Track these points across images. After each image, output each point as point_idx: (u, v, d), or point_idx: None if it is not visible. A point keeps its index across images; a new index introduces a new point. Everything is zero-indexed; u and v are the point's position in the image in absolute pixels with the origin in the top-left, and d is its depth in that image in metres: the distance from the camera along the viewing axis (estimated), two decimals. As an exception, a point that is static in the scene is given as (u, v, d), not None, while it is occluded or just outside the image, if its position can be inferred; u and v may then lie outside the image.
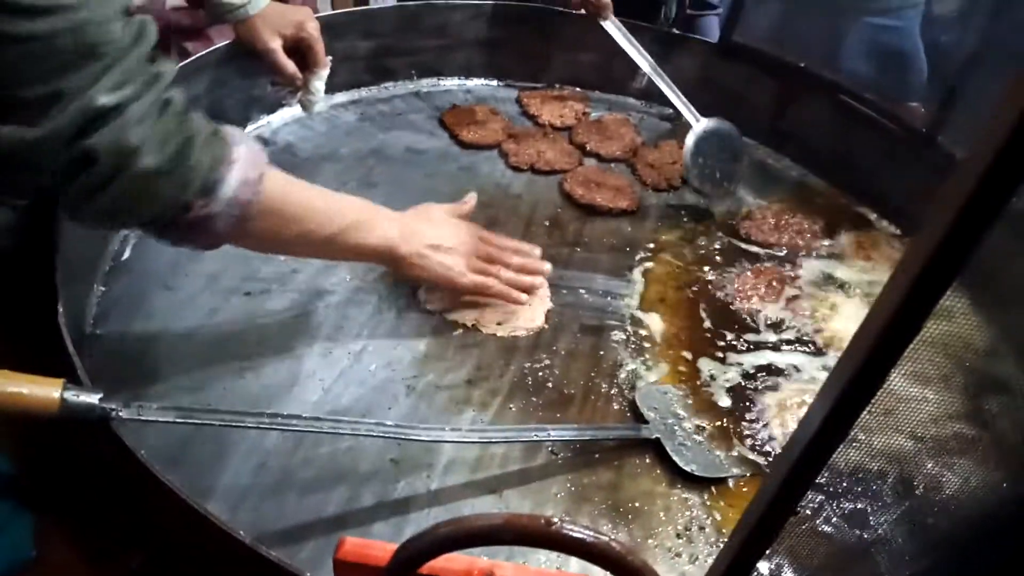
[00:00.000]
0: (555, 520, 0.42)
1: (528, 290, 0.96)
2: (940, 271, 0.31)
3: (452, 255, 0.90)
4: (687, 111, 1.21)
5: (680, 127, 1.37)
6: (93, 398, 0.61)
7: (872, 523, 0.64)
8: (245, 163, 0.70)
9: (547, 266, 0.99)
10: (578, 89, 1.43)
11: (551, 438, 0.78)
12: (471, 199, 1.01)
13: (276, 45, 1.09)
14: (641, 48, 1.26)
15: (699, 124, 1.19)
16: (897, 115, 1.21)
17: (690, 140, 1.17)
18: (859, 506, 0.67)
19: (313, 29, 1.11)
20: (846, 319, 1.01)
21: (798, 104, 1.30)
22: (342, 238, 0.82)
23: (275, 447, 0.76)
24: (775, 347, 0.96)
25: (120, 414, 0.62)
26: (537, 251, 1.02)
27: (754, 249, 1.13)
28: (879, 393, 0.38)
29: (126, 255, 0.95)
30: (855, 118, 1.24)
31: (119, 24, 0.61)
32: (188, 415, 0.65)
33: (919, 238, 0.31)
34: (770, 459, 0.82)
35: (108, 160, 0.61)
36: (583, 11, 1.28)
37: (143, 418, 0.63)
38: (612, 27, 1.27)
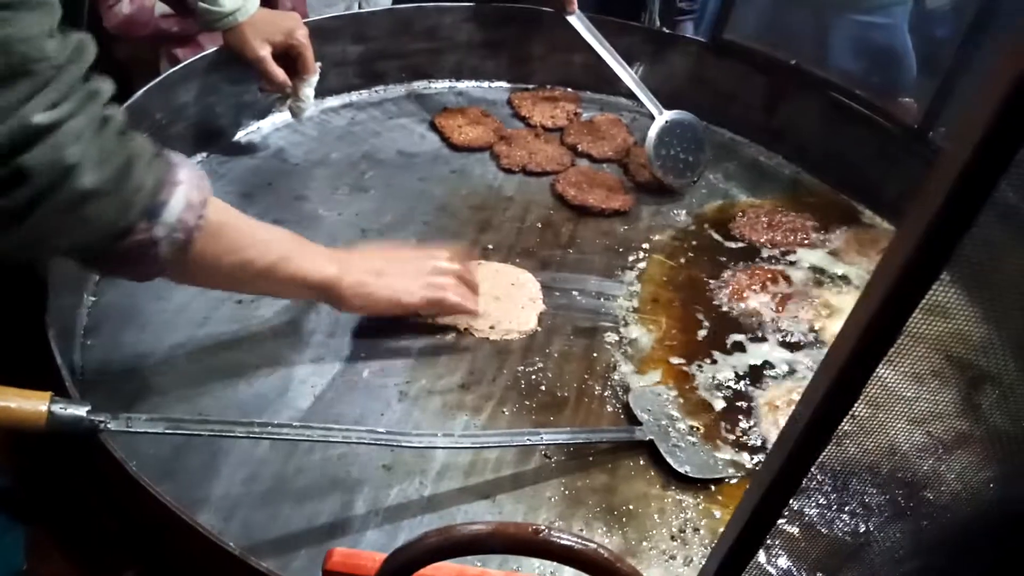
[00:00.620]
0: (543, 528, 0.42)
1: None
2: (929, 257, 0.30)
3: (395, 278, 0.87)
4: (650, 103, 1.22)
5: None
6: (81, 411, 0.61)
7: (864, 522, 0.64)
8: (189, 186, 0.68)
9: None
10: (569, 89, 1.42)
11: (544, 442, 0.78)
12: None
13: (265, 53, 1.09)
14: (606, 42, 1.26)
15: (661, 116, 1.21)
16: (888, 111, 1.21)
17: (652, 132, 1.19)
18: (850, 505, 0.67)
19: (303, 36, 1.11)
20: (841, 317, 1.00)
21: (790, 102, 1.30)
22: (280, 268, 0.78)
23: (267, 456, 0.76)
24: (769, 346, 0.96)
25: (108, 426, 0.62)
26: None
27: (747, 248, 1.12)
28: (867, 389, 0.37)
29: (116, 264, 0.95)
30: (847, 115, 1.24)
31: (51, 41, 0.58)
32: (177, 426, 0.65)
33: (907, 223, 0.30)
34: (764, 457, 0.82)
35: (43, 179, 0.58)
36: (550, 7, 1.29)
37: (132, 430, 0.63)
38: (577, 21, 1.27)
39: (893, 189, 1.19)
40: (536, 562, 0.69)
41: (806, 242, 1.13)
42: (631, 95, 1.41)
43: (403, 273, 0.88)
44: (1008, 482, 0.52)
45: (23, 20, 0.57)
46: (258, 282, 0.80)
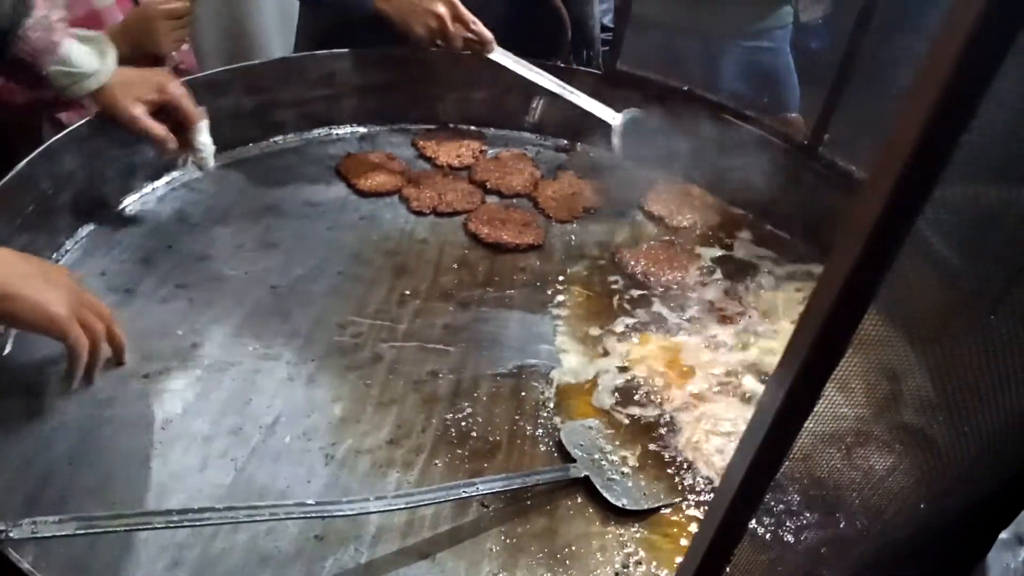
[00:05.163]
0: (489, 600, 0.41)
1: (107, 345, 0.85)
2: (876, 257, 0.31)
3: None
4: (602, 110, 1.31)
5: (575, 157, 1.40)
6: (-23, 522, 0.56)
7: (805, 543, 0.65)
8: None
9: None
10: (472, 127, 1.43)
11: (480, 492, 0.76)
12: None
13: (139, 112, 1.04)
14: (535, 68, 1.31)
15: (616, 119, 1.31)
16: (778, 129, 1.26)
17: (616, 139, 1.30)
18: (792, 530, 0.68)
19: (174, 88, 1.07)
20: (760, 345, 1.03)
21: (686, 125, 1.34)
22: None
23: (189, 539, 0.72)
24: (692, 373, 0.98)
25: (11, 535, 0.57)
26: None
27: (659, 272, 1.14)
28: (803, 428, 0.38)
29: (8, 349, 0.88)
30: (740, 135, 1.28)
31: None
32: (89, 525, 0.60)
33: (845, 236, 0.31)
34: (697, 481, 0.83)
35: None
36: (468, 51, 1.30)
37: (38, 535, 0.58)
38: (501, 56, 1.30)
39: (788, 202, 1.24)
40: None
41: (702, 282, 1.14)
42: (535, 130, 1.43)
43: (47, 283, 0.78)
44: (938, 498, 0.54)
45: None
46: None
